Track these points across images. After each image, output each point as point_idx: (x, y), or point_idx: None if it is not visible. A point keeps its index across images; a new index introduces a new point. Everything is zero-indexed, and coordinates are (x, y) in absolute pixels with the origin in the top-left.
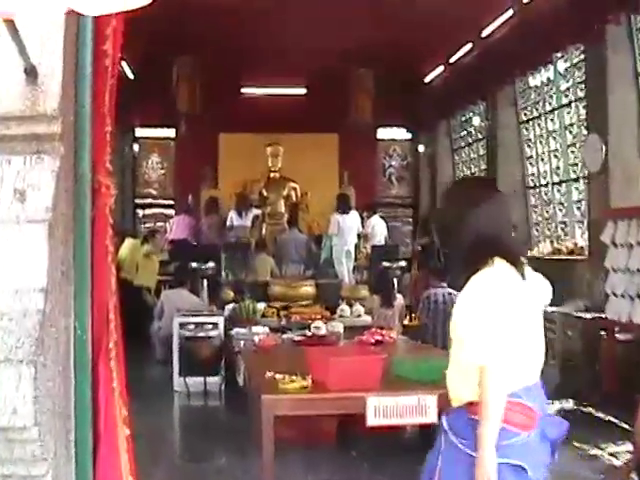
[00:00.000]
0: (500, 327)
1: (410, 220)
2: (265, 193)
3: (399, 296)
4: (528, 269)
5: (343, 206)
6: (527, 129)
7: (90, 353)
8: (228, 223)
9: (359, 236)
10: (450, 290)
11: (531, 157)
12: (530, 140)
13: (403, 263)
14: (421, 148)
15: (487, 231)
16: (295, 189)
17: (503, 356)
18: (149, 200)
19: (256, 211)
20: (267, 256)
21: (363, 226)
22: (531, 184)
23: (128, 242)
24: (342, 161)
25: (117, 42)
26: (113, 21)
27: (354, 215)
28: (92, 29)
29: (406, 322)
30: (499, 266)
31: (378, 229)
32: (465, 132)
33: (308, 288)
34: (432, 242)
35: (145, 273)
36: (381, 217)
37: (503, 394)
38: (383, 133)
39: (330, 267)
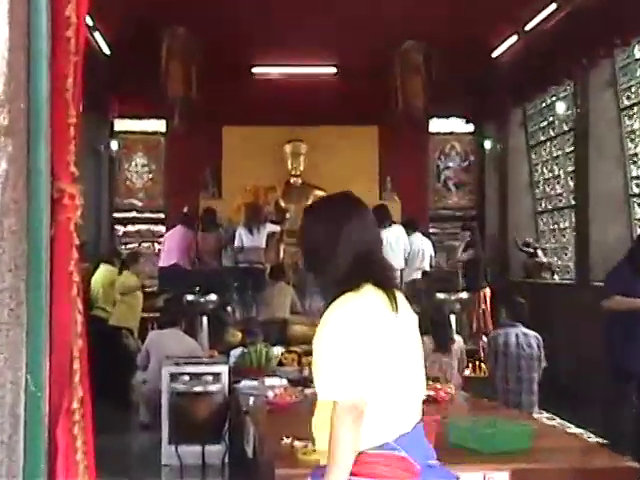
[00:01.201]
0: (357, 360)
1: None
2: (283, 204)
3: (458, 338)
4: (402, 299)
5: (382, 220)
6: (630, 117)
7: (46, 416)
8: (236, 243)
9: (405, 260)
10: (526, 330)
11: (636, 155)
12: (634, 133)
13: (464, 294)
14: (487, 144)
15: (360, 251)
16: None
17: (359, 394)
18: (132, 214)
19: (272, 227)
20: (286, 285)
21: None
22: (636, 190)
23: (103, 269)
24: (383, 162)
25: (82, 6)
26: None
27: (398, 232)
28: None
29: (468, 372)
30: (367, 292)
31: (418, 250)
32: (546, 123)
33: None
34: (478, 259)
35: (125, 309)
36: (424, 234)
37: (354, 439)
38: (437, 125)
39: None
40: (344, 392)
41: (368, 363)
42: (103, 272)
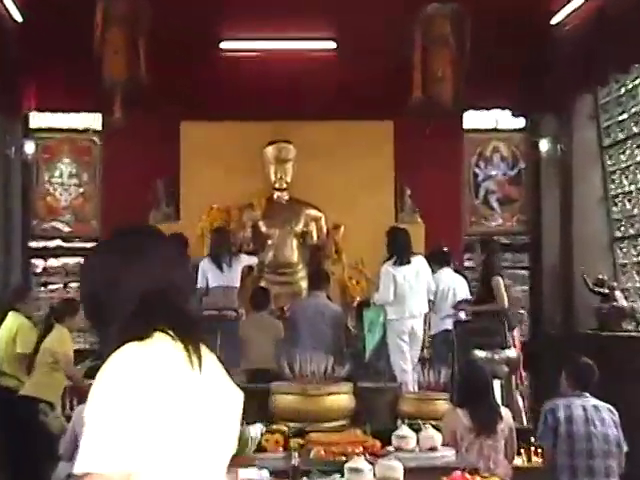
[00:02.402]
0: (126, 427)
1: (525, 274)
2: (264, 229)
3: (506, 412)
4: (212, 358)
5: (400, 251)
6: None
7: None
8: (199, 283)
9: (432, 303)
10: (596, 401)
11: None
12: None
13: (511, 352)
14: (544, 145)
15: (149, 293)
16: (317, 220)
17: (121, 469)
18: (55, 242)
19: (248, 260)
20: (270, 318)
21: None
22: None
23: (11, 320)
24: (401, 170)
25: None
26: None
27: (418, 265)
28: None
29: (519, 460)
30: (156, 342)
31: (448, 290)
32: (626, 115)
33: (341, 398)
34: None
35: (45, 376)
36: (457, 272)
37: None
38: (475, 119)
39: (380, 360)
40: (101, 464)
41: (141, 432)
42: (11, 325)
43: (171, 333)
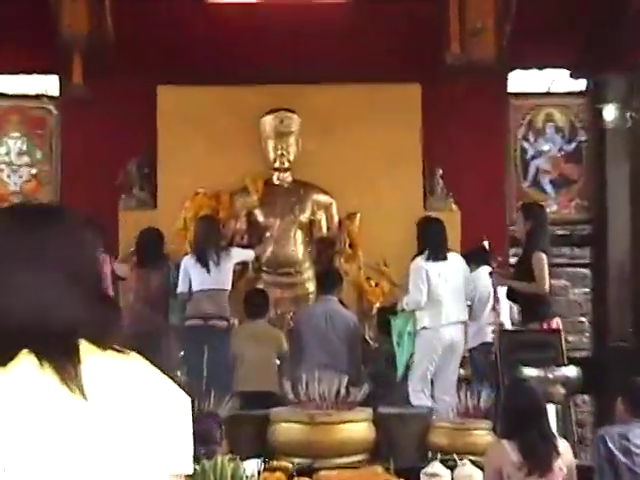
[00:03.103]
0: None
1: (586, 273)
2: (261, 218)
3: (564, 445)
4: (102, 378)
5: (435, 244)
6: None
7: None
8: (180, 287)
9: (470, 308)
10: None
11: None
12: None
13: (571, 371)
14: (610, 113)
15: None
16: (327, 207)
17: None
18: None
19: (241, 254)
20: (270, 327)
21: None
22: None
23: None
24: (430, 144)
25: None
26: None
27: (456, 264)
28: None
29: None
30: (19, 365)
31: (489, 294)
32: None
33: (357, 427)
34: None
35: None
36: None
37: None
38: (522, 81)
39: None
40: None
41: None
42: None
43: (39, 354)
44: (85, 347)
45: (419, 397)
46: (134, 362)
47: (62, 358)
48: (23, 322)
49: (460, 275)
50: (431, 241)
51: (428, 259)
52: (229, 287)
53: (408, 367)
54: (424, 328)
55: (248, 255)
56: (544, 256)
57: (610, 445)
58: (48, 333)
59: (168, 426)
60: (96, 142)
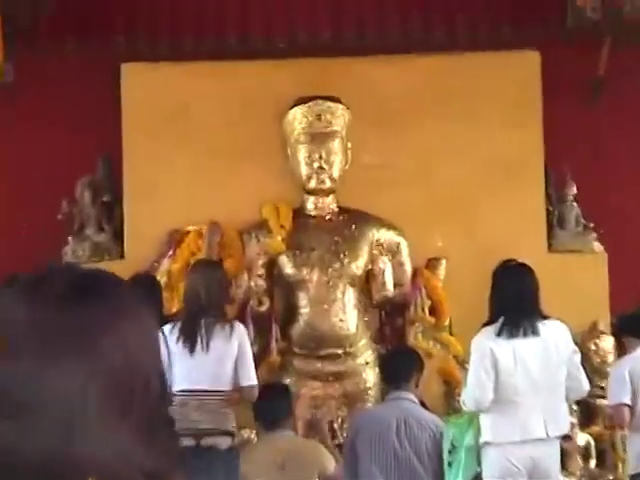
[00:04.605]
0: None
1: None
2: (289, 269)
3: None
4: None
5: (512, 309)
6: None
7: None
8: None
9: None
10: None
11: None
12: None
13: None
14: None
15: None
16: (396, 250)
17: None
18: None
19: (245, 342)
20: (306, 444)
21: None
22: None
23: None
24: (557, 146)
25: None
26: None
27: (555, 339)
28: None
29: None
30: None
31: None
32: None
33: None
34: None
35: None
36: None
37: None
38: None
39: None
40: None
41: None
42: None
43: None
44: None
45: None
46: None
47: None
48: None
49: (558, 360)
50: (505, 305)
51: (500, 334)
52: (230, 383)
53: None
54: (488, 443)
55: (247, 369)
56: None
57: None
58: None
59: None
60: (25, 153)
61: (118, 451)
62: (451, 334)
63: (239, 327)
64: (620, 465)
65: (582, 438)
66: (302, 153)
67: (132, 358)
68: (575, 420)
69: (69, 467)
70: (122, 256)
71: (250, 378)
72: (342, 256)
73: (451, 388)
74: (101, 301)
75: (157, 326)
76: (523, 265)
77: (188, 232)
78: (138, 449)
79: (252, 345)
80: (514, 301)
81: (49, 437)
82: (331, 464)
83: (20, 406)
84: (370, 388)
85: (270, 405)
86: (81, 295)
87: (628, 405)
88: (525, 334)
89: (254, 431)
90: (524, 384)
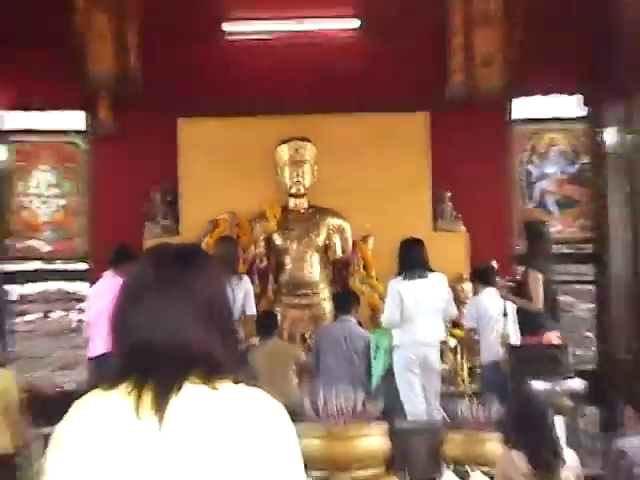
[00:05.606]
0: (59, 471)
1: (591, 290)
2: (279, 242)
3: (571, 456)
4: (186, 407)
5: (410, 264)
6: None
7: None
8: None
9: (472, 331)
10: None
11: None
12: None
13: (577, 383)
14: (610, 137)
15: (135, 340)
16: (342, 231)
17: None
18: (34, 264)
19: (249, 291)
20: (284, 344)
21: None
22: None
23: None
24: (439, 169)
25: None
26: None
27: (435, 282)
28: None
29: None
30: (115, 391)
31: (495, 315)
32: None
33: (374, 440)
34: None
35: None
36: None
37: None
38: (525, 108)
39: (387, 394)
40: None
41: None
42: None
43: (141, 381)
44: (196, 377)
45: (414, 405)
46: (242, 391)
47: (164, 384)
48: (151, 341)
49: (438, 295)
50: (406, 262)
51: (403, 279)
52: (239, 310)
53: (382, 381)
54: (397, 346)
55: (248, 300)
56: (540, 276)
57: (630, 456)
58: (168, 356)
59: (273, 456)
60: (121, 173)
61: (209, 340)
62: (376, 280)
63: (246, 278)
64: (469, 358)
65: (452, 342)
66: (287, 172)
67: (213, 293)
68: (447, 332)
69: (184, 346)
70: (178, 233)
71: (252, 309)
72: (311, 234)
73: (375, 313)
74: (194, 263)
75: (225, 274)
76: (417, 239)
77: (218, 220)
78: (218, 342)
79: (255, 288)
80: (412, 261)
81: (173, 328)
82: (302, 356)
83: (152, 310)
84: (327, 313)
85: (266, 323)
86: (183, 259)
87: (472, 328)
88: (419, 278)
89: (257, 338)
90: (417, 310)
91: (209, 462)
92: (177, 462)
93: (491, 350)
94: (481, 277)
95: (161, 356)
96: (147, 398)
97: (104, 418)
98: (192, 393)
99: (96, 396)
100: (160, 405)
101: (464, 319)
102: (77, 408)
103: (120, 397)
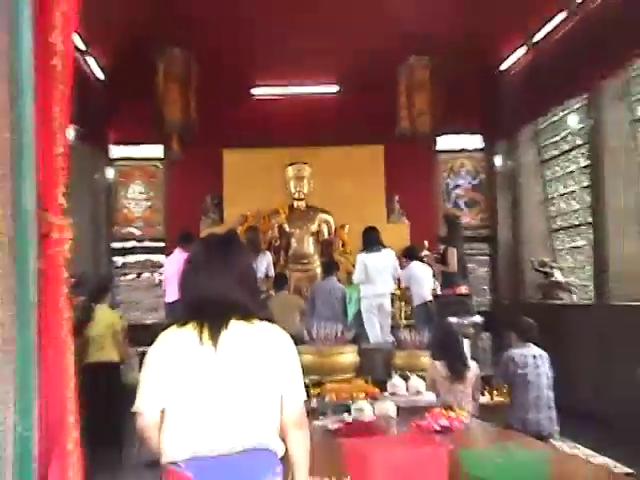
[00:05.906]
0: (151, 381)
1: (486, 259)
2: (287, 229)
3: (473, 364)
4: (235, 335)
5: (370, 243)
6: None
7: (37, 457)
8: None
9: (407, 289)
10: (538, 351)
11: None
12: None
13: (477, 318)
14: (498, 161)
15: (195, 297)
16: (328, 222)
17: (147, 408)
18: (131, 243)
19: (269, 261)
20: (291, 296)
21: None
22: None
23: (103, 313)
24: (390, 182)
25: (68, 33)
26: (62, 1)
27: (387, 254)
28: (30, 15)
29: (485, 399)
30: (186, 327)
31: (418, 280)
32: (558, 137)
33: (348, 356)
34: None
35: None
36: (423, 261)
37: (151, 443)
38: (445, 142)
39: (359, 326)
40: (140, 406)
41: (164, 384)
42: (105, 318)
43: (200, 321)
44: (236, 318)
45: (373, 334)
46: (265, 325)
47: (216, 322)
48: (207, 296)
49: (389, 264)
50: (368, 241)
51: (367, 253)
52: (262, 274)
53: (354, 319)
54: (364, 297)
55: (269, 268)
56: (454, 250)
57: (509, 366)
58: (218, 305)
59: (285, 364)
60: (186, 184)
61: (242, 295)
62: (350, 254)
63: (267, 253)
64: (407, 304)
65: (397, 292)
66: (292, 184)
67: (244, 265)
68: (396, 285)
69: (230, 299)
70: (222, 223)
71: (271, 273)
72: (308, 224)
73: (349, 275)
74: (232, 246)
75: (252, 253)
76: (374, 227)
77: (247, 215)
78: (248, 296)
79: (273, 259)
80: (372, 241)
81: (221, 288)
82: (302, 303)
83: (206, 277)
84: (318, 275)
85: (279, 282)
86: (224, 244)
87: (407, 287)
88: (377, 251)
89: (273, 291)
90: (376, 273)
91: (248, 370)
92: (227, 371)
93: (419, 298)
94: (407, 254)
95: (213, 305)
96: (206, 331)
97: (180, 343)
98: (235, 327)
99: (174, 330)
100: (215, 335)
101: (402, 281)
102: (163, 337)
103: (189, 331)
